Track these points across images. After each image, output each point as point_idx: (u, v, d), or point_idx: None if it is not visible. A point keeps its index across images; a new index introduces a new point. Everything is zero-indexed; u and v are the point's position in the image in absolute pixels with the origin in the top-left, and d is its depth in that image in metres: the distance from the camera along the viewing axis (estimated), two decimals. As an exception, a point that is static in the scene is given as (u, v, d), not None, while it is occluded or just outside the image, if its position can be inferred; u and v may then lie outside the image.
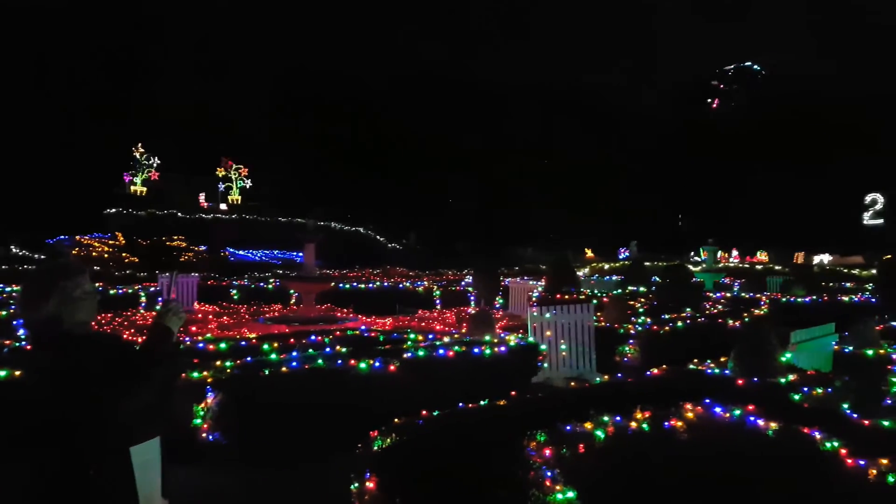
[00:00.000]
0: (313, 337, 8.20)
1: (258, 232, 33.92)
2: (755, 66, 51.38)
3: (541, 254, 36.50)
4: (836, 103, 38.56)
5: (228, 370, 6.35)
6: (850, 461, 3.88)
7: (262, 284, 16.73)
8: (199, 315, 13.44)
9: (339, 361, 6.67)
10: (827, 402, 5.89)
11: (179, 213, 34.50)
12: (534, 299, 14.54)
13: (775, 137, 39.06)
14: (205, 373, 6.28)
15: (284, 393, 6.20)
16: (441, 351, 7.38)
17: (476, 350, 7.59)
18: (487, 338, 8.36)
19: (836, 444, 4.04)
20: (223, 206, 38.60)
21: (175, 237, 29.46)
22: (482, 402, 5.23)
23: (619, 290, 17.06)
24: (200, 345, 7.75)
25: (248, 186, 39.42)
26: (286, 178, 40.14)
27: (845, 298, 15.24)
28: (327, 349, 7.31)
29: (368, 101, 44.91)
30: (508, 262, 30.36)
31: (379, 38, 49.20)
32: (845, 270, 28.19)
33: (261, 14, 49.41)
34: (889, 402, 8.07)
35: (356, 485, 4.16)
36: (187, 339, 8.74)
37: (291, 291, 15.35)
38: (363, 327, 10.29)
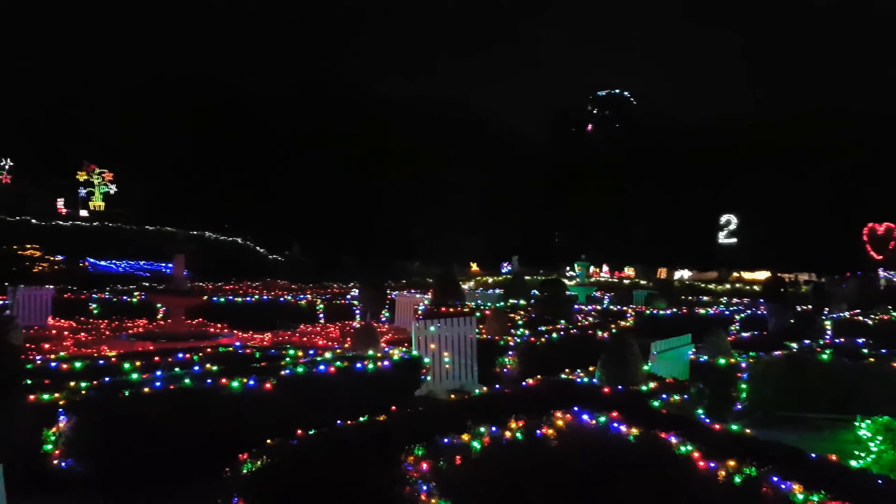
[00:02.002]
0: (181, 355, 7.73)
1: (123, 241, 31.64)
2: (625, 93, 54.91)
3: (428, 267, 36.80)
4: (693, 132, 42.23)
5: (83, 391, 5.87)
6: (702, 463, 4.18)
7: (125, 298, 15.56)
8: (53, 331, 12.31)
9: (209, 380, 6.32)
10: (684, 408, 6.35)
11: (34, 220, 31.57)
12: (420, 312, 14.59)
13: (641, 161, 42.04)
14: (56, 394, 5.75)
15: (146, 415, 5.79)
16: (322, 367, 7.19)
17: (359, 365, 7.48)
18: (371, 352, 8.26)
19: (690, 447, 4.35)
20: (84, 213, 35.73)
21: (28, 246, 26.90)
22: (361, 419, 5.16)
23: (502, 303, 17.52)
24: (52, 364, 7.10)
25: (112, 192, 36.75)
26: (155, 184, 37.80)
27: (702, 311, 16.54)
28: (196, 367, 6.91)
29: (249, 109, 43.38)
30: (395, 276, 30.33)
31: (264, 47, 47.91)
32: (702, 285, 30.70)
33: (130, 15, 46.49)
34: (739, 407, 8.85)
35: (223, 510, 3.94)
36: (38, 357, 7.95)
37: (159, 305, 14.40)
38: (237, 343, 9.86)
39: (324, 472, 3.99)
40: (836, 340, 11.52)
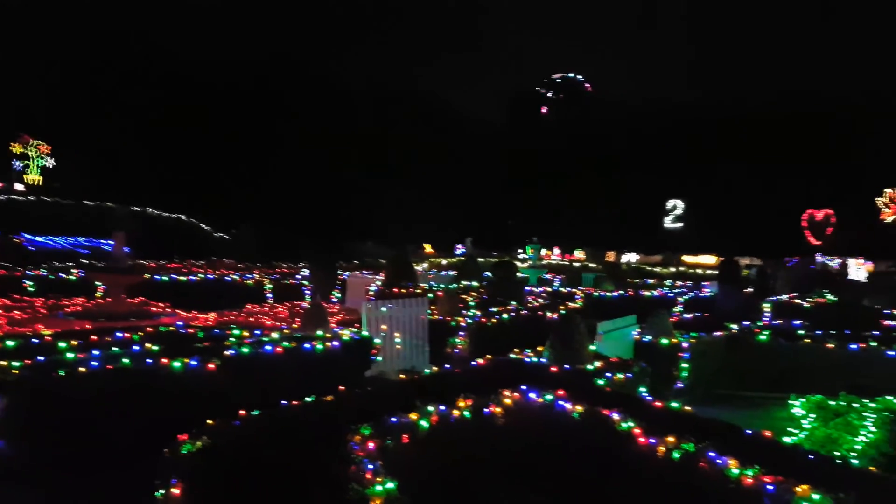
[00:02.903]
0: (120, 334, 7.45)
1: (61, 216, 30.38)
2: (579, 77, 55.16)
3: (381, 248, 36.61)
4: (643, 117, 43.00)
5: (16, 371, 5.60)
6: (643, 439, 4.28)
7: (62, 275, 14.93)
8: (-16, 310, 11.71)
9: (149, 360, 6.12)
10: (627, 386, 6.51)
11: (-35, 195, 30.08)
12: (371, 293, 14.54)
13: (593, 145, 42.65)
14: (-14, 374, 5.48)
15: (83, 395, 5.59)
16: (268, 347, 7.04)
17: (307, 346, 7.35)
18: (320, 333, 8.16)
19: (631, 423, 4.44)
20: (19, 187, 34.09)
21: (-41, 222, 25.57)
22: (308, 399, 5.09)
23: (455, 285, 17.60)
24: (-18, 343, 6.75)
25: (49, 165, 35.11)
26: (96, 157, 36.26)
27: (647, 293, 17.00)
28: (135, 347, 6.68)
29: (200, 83, 41.85)
30: (348, 256, 30.05)
31: (210, 18, 45.89)
32: (648, 268, 31.54)
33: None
34: (679, 385, 9.13)
35: (161, 492, 3.85)
36: (-34, 336, 7.57)
37: (98, 283, 13.89)
38: (180, 323, 9.58)
39: (267, 453, 3.91)
40: (774, 322, 12.00)
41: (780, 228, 34.77)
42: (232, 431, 4.24)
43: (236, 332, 8.17)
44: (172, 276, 15.62)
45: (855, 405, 6.77)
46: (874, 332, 10.32)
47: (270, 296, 15.59)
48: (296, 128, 41.63)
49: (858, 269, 32.66)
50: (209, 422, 4.35)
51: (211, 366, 6.30)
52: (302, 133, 41.57)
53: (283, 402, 4.97)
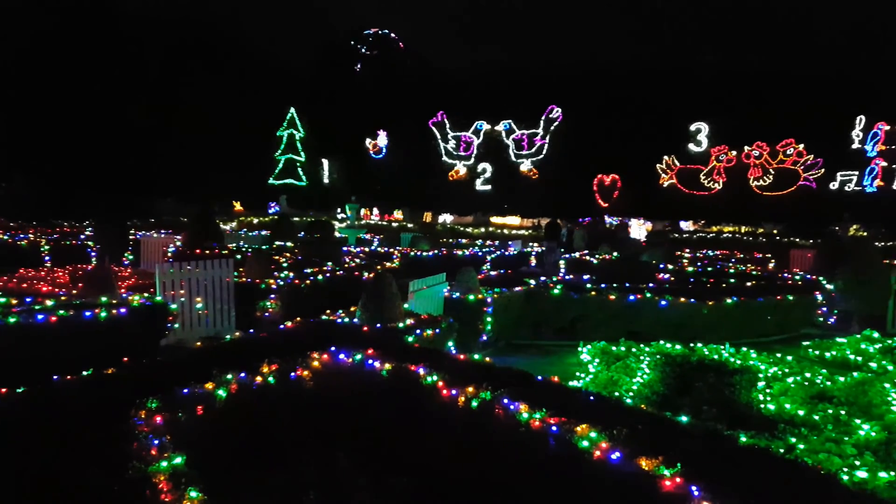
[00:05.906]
0: None
1: None
2: (392, 35, 54.59)
3: (183, 206, 33.93)
4: (451, 78, 43.91)
5: None
6: (445, 391, 4.42)
7: None
8: None
9: None
10: (435, 341, 6.70)
11: None
12: (170, 255, 13.51)
13: (407, 104, 42.80)
14: None
15: None
16: (40, 316, 6.22)
17: (88, 313, 6.64)
18: (105, 299, 7.36)
19: (436, 377, 4.57)
20: None
21: None
22: (85, 373, 4.55)
23: (267, 245, 16.91)
24: None
25: None
26: None
27: (459, 253, 17.71)
28: None
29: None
30: (142, 214, 27.48)
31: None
32: (462, 228, 32.93)
33: None
34: (484, 338, 9.64)
35: None
36: None
37: None
38: (-72, 291, 8.08)
39: (31, 435, 3.42)
40: (567, 277, 13.13)
41: (574, 191, 37.86)
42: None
43: (2, 299, 7.08)
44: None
45: (633, 350, 7.65)
46: (650, 285, 11.70)
47: (48, 258, 13.83)
48: (79, 70, 36.50)
49: (640, 229, 36.95)
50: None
51: (-36, 340, 5.40)
52: (83, 77, 36.58)
53: (61, 375, 4.41)
